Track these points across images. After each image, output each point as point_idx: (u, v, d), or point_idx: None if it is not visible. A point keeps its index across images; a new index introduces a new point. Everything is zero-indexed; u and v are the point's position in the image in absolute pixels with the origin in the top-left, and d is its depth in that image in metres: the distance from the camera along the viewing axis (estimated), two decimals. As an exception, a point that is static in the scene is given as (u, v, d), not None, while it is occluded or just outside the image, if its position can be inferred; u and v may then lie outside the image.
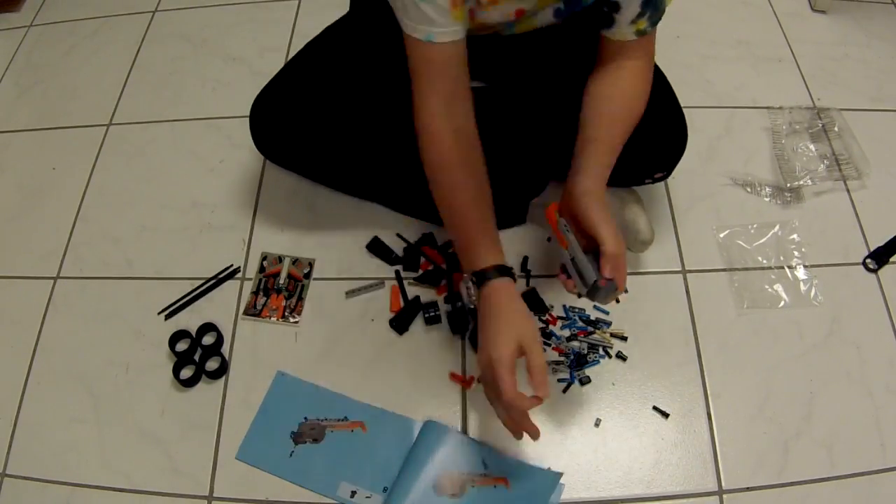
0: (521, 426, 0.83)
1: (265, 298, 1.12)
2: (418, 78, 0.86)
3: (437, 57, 0.83)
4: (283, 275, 1.15)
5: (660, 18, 0.86)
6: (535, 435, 0.83)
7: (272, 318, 1.11)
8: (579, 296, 0.86)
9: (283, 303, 1.11)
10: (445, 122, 0.86)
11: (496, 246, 0.88)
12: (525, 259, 1.14)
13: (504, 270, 0.86)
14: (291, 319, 1.10)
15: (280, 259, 1.17)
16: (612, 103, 0.89)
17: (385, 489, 0.94)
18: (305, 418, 1.01)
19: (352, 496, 0.94)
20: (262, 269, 1.16)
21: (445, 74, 0.85)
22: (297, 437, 0.99)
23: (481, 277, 0.85)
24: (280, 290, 1.13)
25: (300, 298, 1.12)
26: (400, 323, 1.07)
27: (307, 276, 1.15)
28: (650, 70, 0.93)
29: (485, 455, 0.96)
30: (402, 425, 0.99)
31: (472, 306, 0.87)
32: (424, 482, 0.93)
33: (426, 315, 1.08)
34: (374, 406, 1.02)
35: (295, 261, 1.16)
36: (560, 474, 0.94)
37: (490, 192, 0.89)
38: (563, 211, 0.89)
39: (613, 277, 0.80)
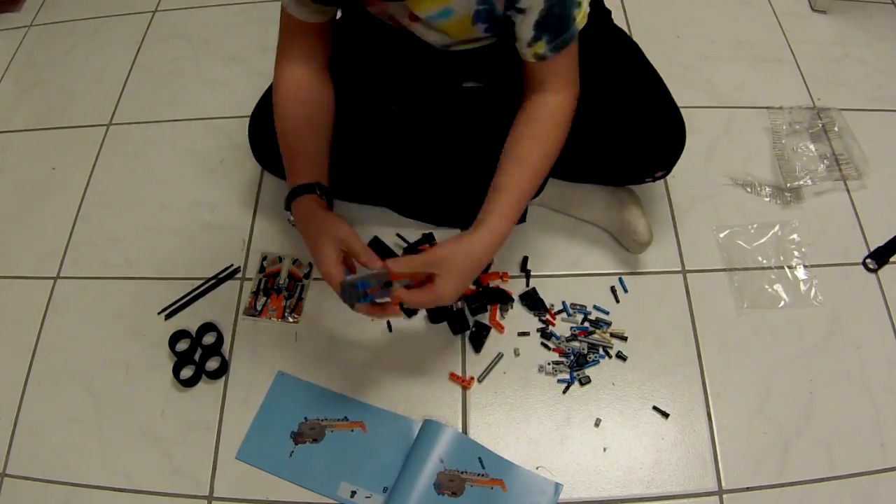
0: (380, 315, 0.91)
1: (265, 298, 1.12)
2: (280, 38, 0.97)
3: (290, 24, 0.94)
4: (283, 275, 1.15)
5: (566, 44, 0.84)
6: (396, 314, 0.89)
7: (272, 318, 1.10)
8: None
9: (283, 303, 1.11)
10: (296, 72, 0.95)
11: (305, 167, 0.94)
12: (525, 259, 1.14)
13: (305, 189, 0.91)
14: (291, 319, 1.10)
15: (280, 259, 1.16)
16: (525, 157, 0.89)
17: (385, 489, 0.94)
18: (305, 418, 1.01)
19: (352, 496, 0.94)
20: (262, 269, 1.16)
21: (297, 37, 0.95)
22: (297, 437, 0.99)
23: (288, 199, 0.92)
24: (280, 290, 1.13)
25: (300, 298, 1.12)
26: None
27: (307, 276, 1.15)
28: (572, 101, 0.90)
29: (483, 455, 0.96)
30: (401, 425, 0.99)
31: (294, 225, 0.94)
32: (424, 482, 0.93)
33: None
34: (373, 406, 1.02)
35: (295, 261, 1.16)
36: (560, 485, 0.94)
37: (326, 125, 0.96)
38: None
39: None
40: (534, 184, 0.90)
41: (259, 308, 1.12)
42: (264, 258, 1.17)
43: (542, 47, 0.84)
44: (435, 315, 1.08)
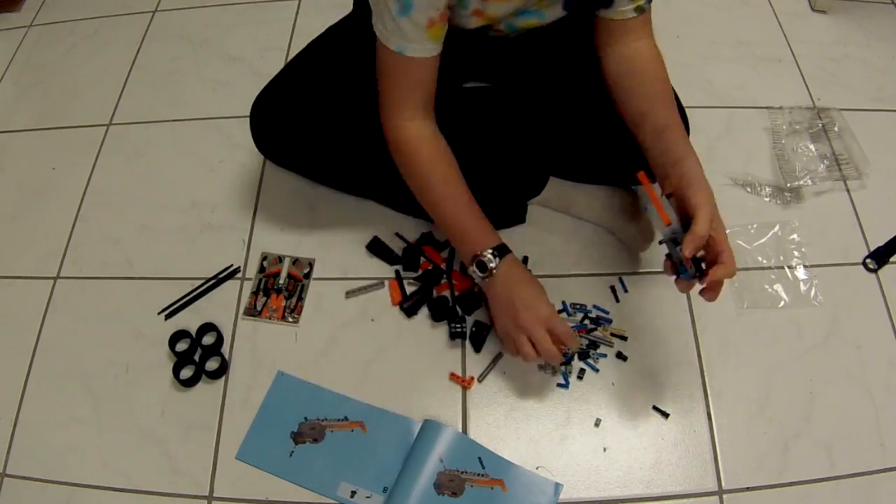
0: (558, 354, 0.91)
1: (265, 298, 1.12)
2: (386, 81, 0.89)
3: (409, 68, 0.86)
4: (283, 275, 1.15)
5: None
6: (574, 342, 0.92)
7: (272, 319, 1.10)
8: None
9: (283, 303, 1.12)
10: (419, 126, 0.91)
11: (492, 229, 0.95)
12: (525, 259, 1.14)
13: (507, 249, 0.93)
14: (290, 319, 1.10)
15: (280, 259, 1.16)
16: (654, 84, 0.91)
17: (385, 489, 0.94)
18: (305, 418, 1.01)
19: (352, 496, 0.94)
20: (262, 269, 1.16)
21: (416, 84, 0.88)
22: (297, 437, 0.99)
23: (503, 250, 0.93)
24: (280, 290, 1.13)
25: (300, 298, 1.12)
26: (411, 307, 1.08)
27: (307, 276, 1.15)
28: (655, 45, 0.94)
29: (483, 455, 0.96)
30: (401, 425, 0.99)
31: (483, 279, 0.93)
32: (424, 482, 0.93)
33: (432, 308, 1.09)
34: (373, 406, 1.02)
35: (295, 261, 1.16)
36: (560, 485, 0.94)
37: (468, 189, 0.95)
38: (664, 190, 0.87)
39: (695, 260, 0.80)
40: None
41: (259, 308, 1.12)
42: (264, 258, 1.17)
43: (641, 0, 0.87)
44: (436, 313, 1.08)
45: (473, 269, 0.94)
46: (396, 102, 0.91)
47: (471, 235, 0.94)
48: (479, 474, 0.94)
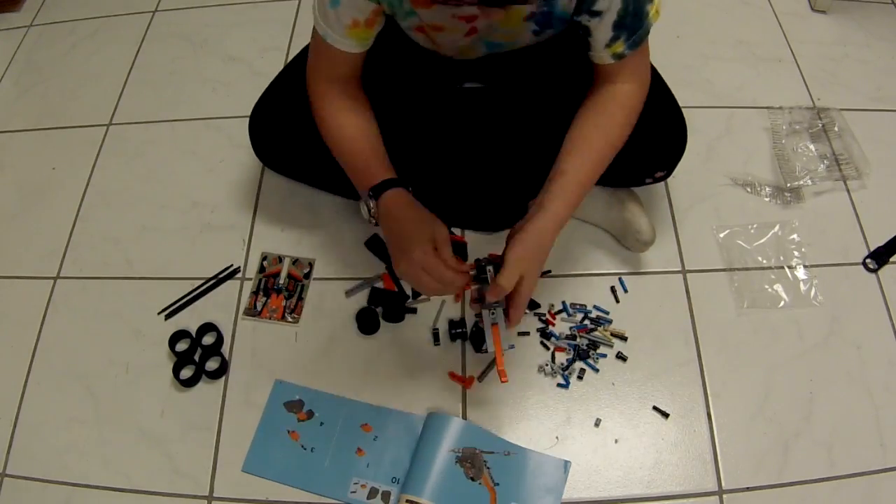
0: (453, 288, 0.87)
1: (265, 298, 1.12)
2: (311, 47, 0.93)
3: (329, 52, 0.89)
4: (283, 275, 1.15)
5: (642, 39, 0.84)
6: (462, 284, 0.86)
7: (272, 319, 1.10)
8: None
9: (283, 303, 1.11)
10: (334, 92, 0.93)
11: (388, 167, 0.92)
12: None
13: (398, 182, 0.89)
14: (290, 319, 1.10)
15: (280, 259, 1.16)
16: (591, 143, 0.88)
17: (394, 479, 0.94)
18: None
19: (366, 495, 0.94)
20: (262, 269, 1.16)
21: (334, 65, 0.92)
22: (304, 444, 0.99)
23: (378, 190, 0.88)
24: (280, 290, 1.13)
25: (300, 298, 1.12)
26: (393, 313, 1.07)
27: (307, 276, 1.15)
28: (642, 91, 0.91)
29: (491, 441, 0.96)
30: (405, 421, 0.99)
31: (374, 222, 0.90)
32: (441, 463, 0.93)
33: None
34: (375, 405, 1.01)
35: (295, 261, 1.16)
36: (569, 462, 0.95)
37: (378, 132, 0.94)
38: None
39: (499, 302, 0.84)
40: (596, 172, 0.89)
41: (259, 308, 1.11)
42: (264, 258, 1.17)
43: (620, 46, 0.84)
44: (391, 314, 1.08)
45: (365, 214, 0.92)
46: (315, 69, 0.94)
47: (358, 176, 0.92)
48: (490, 452, 0.95)
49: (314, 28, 0.90)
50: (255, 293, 1.13)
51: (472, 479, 0.93)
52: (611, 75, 0.89)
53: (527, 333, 1.07)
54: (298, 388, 1.04)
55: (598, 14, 0.81)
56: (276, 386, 1.04)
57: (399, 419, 1.00)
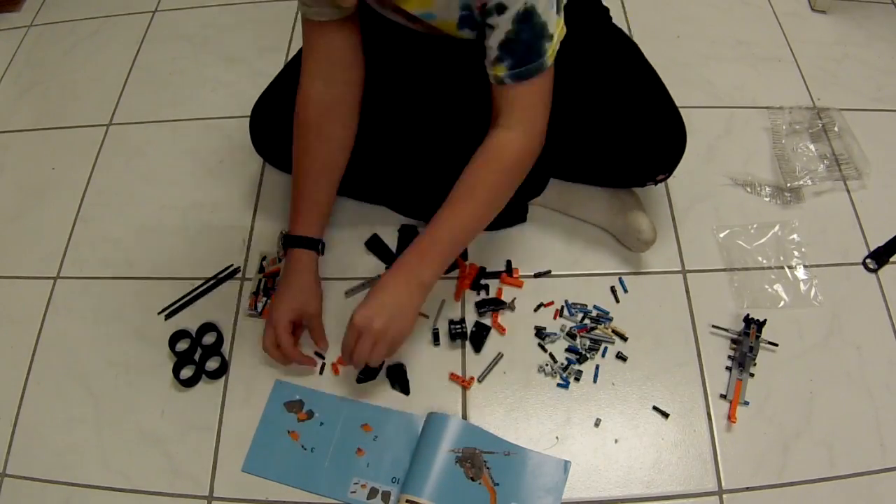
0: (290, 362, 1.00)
1: (265, 299, 1.12)
2: (303, 57, 0.95)
3: (307, 31, 0.91)
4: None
5: (529, 75, 0.80)
6: (309, 363, 1.01)
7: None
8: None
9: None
10: (319, 87, 0.94)
11: (316, 219, 0.97)
12: (508, 263, 1.14)
13: (310, 243, 0.95)
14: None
15: (280, 259, 1.16)
16: (468, 202, 0.88)
17: (394, 479, 0.94)
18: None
19: (366, 495, 0.94)
20: (261, 269, 1.16)
21: (313, 48, 0.93)
22: (304, 444, 0.99)
23: (288, 241, 0.98)
24: None
25: None
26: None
27: None
28: (526, 141, 0.87)
29: (490, 441, 0.96)
30: (405, 421, 0.99)
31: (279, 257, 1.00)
32: (441, 463, 0.93)
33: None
34: (376, 405, 1.01)
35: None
36: (569, 462, 0.95)
37: (339, 168, 0.98)
38: None
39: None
40: (465, 233, 0.89)
41: (259, 309, 1.11)
42: (263, 258, 1.17)
43: (502, 70, 0.81)
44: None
45: None
46: (304, 63, 0.95)
47: (292, 215, 0.98)
48: (492, 452, 0.95)
49: (302, 24, 0.91)
50: (255, 294, 1.13)
51: (472, 479, 0.93)
52: (500, 113, 0.86)
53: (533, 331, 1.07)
54: (298, 388, 1.04)
55: (490, 27, 0.79)
56: (277, 386, 1.04)
57: (399, 419, 1.00)
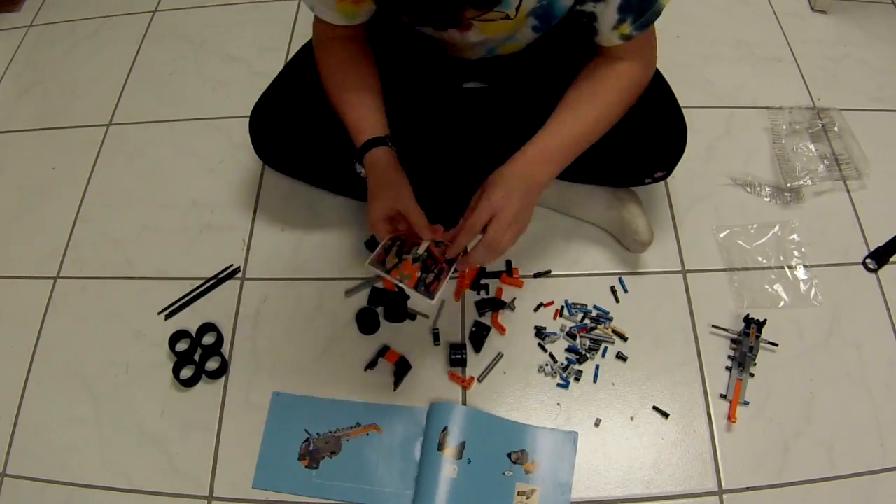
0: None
1: (397, 260, 0.92)
2: (313, 28, 0.97)
3: (321, 28, 0.94)
4: (423, 247, 0.93)
5: (651, 21, 0.84)
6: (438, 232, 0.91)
7: (402, 282, 0.90)
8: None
9: (419, 273, 0.92)
10: (341, 47, 0.96)
11: (374, 121, 0.93)
12: (508, 263, 1.14)
13: (379, 141, 0.91)
14: (423, 292, 0.90)
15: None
16: (582, 107, 0.89)
17: (404, 477, 0.95)
18: (317, 434, 1.00)
19: (384, 497, 0.94)
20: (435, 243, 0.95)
21: (336, 34, 0.95)
22: (315, 455, 0.98)
23: (359, 152, 0.92)
24: (418, 258, 0.92)
25: (437, 279, 0.91)
26: (394, 313, 1.07)
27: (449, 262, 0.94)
28: (644, 70, 0.92)
29: (496, 425, 0.97)
30: (410, 415, 1.00)
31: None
32: (450, 462, 0.93)
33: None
34: (381, 405, 1.01)
35: (438, 243, 0.94)
36: (576, 433, 0.97)
37: (377, 86, 0.96)
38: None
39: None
40: (583, 139, 0.88)
41: (389, 267, 0.91)
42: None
43: (627, 28, 0.83)
44: (392, 314, 1.07)
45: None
46: (315, 34, 0.98)
47: (351, 134, 0.94)
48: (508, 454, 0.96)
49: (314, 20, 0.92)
50: (385, 249, 0.92)
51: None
52: (610, 51, 0.89)
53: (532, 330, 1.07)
54: (297, 399, 1.03)
55: (602, 0, 0.81)
56: (275, 398, 1.03)
57: (408, 414, 1.00)
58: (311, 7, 0.90)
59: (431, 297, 0.90)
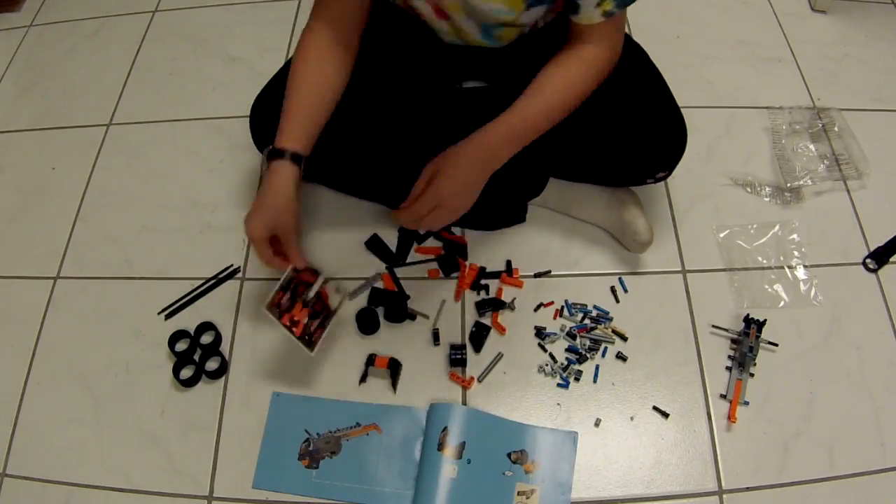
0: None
1: (290, 304, 0.95)
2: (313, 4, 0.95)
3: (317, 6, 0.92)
4: (314, 289, 0.97)
5: (628, 2, 0.86)
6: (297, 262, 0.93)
7: (290, 329, 0.93)
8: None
9: (306, 319, 0.96)
10: (318, 36, 0.94)
11: (300, 132, 0.92)
12: (508, 263, 1.14)
13: (290, 156, 0.90)
14: (305, 343, 0.94)
15: (318, 273, 0.99)
16: (544, 89, 0.90)
17: (404, 476, 0.95)
18: (318, 434, 0.99)
19: (381, 495, 0.94)
20: (295, 269, 0.98)
21: (327, 5, 0.93)
22: (315, 455, 0.98)
23: (271, 154, 0.91)
24: (307, 303, 0.97)
25: (322, 326, 0.98)
26: (394, 313, 1.07)
27: (335, 311, 1.02)
28: (611, 54, 0.93)
29: (495, 424, 0.97)
30: (410, 415, 1.00)
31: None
32: (447, 465, 0.93)
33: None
34: (380, 405, 1.01)
35: (328, 280, 1.00)
36: (576, 433, 0.97)
37: (332, 89, 0.95)
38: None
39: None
40: (547, 120, 0.90)
41: (283, 309, 0.94)
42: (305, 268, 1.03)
43: (609, 4, 0.85)
44: (392, 314, 1.07)
45: None
46: (313, 10, 0.96)
47: (279, 126, 0.93)
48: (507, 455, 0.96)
49: None
50: (284, 289, 0.94)
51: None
52: (581, 36, 0.90)
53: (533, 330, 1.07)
54: (297, 399, 1.03)
55: None
56: (275, 398, 1.03)
57: (408, 414, 1.00)
58: None
59: (311, 349, 0.94)
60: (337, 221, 1.20)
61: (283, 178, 0.90)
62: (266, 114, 1.08)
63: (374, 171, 1.10)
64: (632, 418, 1.00)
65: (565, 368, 1.03)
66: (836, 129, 1.29)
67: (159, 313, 1.14)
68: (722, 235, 1.17)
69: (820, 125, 1.30)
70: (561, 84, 0.90)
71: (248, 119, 1.09)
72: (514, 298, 1.10)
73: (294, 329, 0.93)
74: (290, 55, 1.48)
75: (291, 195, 0.90)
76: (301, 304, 0.96)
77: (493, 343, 1.07)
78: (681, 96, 1.04)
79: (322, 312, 0.99)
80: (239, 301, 1.14)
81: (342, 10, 0.94)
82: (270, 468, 0.98)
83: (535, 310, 1.09)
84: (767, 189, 1.22)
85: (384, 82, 1.06)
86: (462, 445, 0.95)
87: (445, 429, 0.96)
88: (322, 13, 0.95)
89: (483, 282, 1.12)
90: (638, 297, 1.10)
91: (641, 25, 1.45)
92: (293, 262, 0.92)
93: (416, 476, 0.94)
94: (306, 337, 0.94)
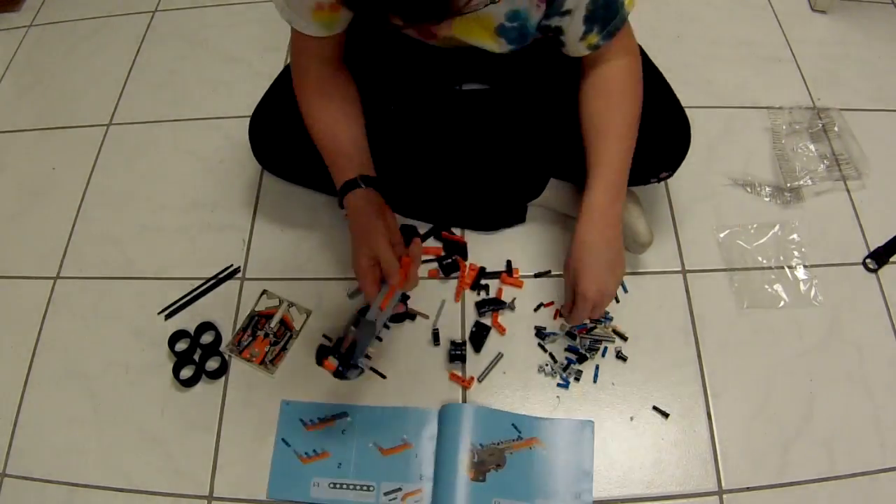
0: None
1: (250, 339, 1.08)
2: (292, 52, 0.96)
3: (299, 37, 0.91)
4: (276, 319, 1.10)
5: (617, 28, 0.84)
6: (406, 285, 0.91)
7: (250, 362, 1.06)
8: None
9: (266, 348, 1.07)
10: (322, 81, 0.94)
11: (353, 163, 0.92)
12: (508, 263, 1.14)
13: (352, 184, 0.91)
14: (268, 368, 1.05)
15: (280, 302, 1.12)
16: (606, 117, 0.90)
17: (421, 477, 0.95)
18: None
19: (394, 493, 0.94)
20: (256, 304, 1.12)
21: (306, 50, 0.93)
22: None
23: (341, 193, 0.92)
24: (268, 334, 1.09)
25: (284, 349, 1.07)
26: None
27: (299, 330, 1.09)
28: (634, 59, 0.92)
29: (514, 421, 0.97)
30: (420, 417, 1.00)
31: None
32: (463, 464, 0.94)
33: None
34: (379, 405, 1.01)
35: (292, 305, 1.11)
36: (591, 422, 0.98)
37: (357, 115, 0.95)
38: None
39: None
40: (629, 152, 0.90)
41: (242, 346, 1.07)
42: (263, 293, 1.13)
43: (595, 38, 0.85)
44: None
45: None
46: (294, 63, 0.96)
47: (332, 173, 0.94)
48: (514, 439, 0.96)
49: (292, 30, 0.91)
50: (243, 329, 1.09)
51: (498, 466, 0.94)
52: (598, 58, 0.90)
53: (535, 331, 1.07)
54: (306, 405, 1.02)
55: (567, 13, 0.82)
56: (284, 407, 1.03)
57: (415, 415, 1.00)
58: (288, 20, 0.88)
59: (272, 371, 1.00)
60: (337, 223, 1.20)
61: (364, 203, 0.91)
62: (265, 125, 1.08)
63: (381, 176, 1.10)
64: (632, 418, 1.00)
65: (565, 368, 1.03)
66: (835, 129, 1.29)
67: (159, 313, 1.14)
68: (722, 235, 1.17)
69: (820, 125, 1.30)
70: (617, 112, 0.90)
71: (247, 119, 1.09)
72: (514, 298, 1.10)
73: (255, 359, 1.01)
74: (289, 56, 1.48)
75: (371, 216, 0.90)
76: (262, 337, 1.04)
77: (493, 343, 1.07)
78: (681, 96, 1.04)
79: (282, 338, 1.06)
80: (239, 301, 1.14)
81: (321, 50, 0.93)
82: (284, 477, 0.97)
83: (535, 310, 1.09)
84: (767, 189, 1.22)
85: (383, 85, 1.06)
86: (476, 447, 0.95)
87: (458, 429, 0.96)
88: (310, 56, 0.94)
89: (483, 282, 1.12)
90: (638, 297, 1.10)
91: (641, 25, 1.43)
92: (390, 282, 0.88)
93: (434, 476, 0.95)
94: (266, 363, 1.01)
